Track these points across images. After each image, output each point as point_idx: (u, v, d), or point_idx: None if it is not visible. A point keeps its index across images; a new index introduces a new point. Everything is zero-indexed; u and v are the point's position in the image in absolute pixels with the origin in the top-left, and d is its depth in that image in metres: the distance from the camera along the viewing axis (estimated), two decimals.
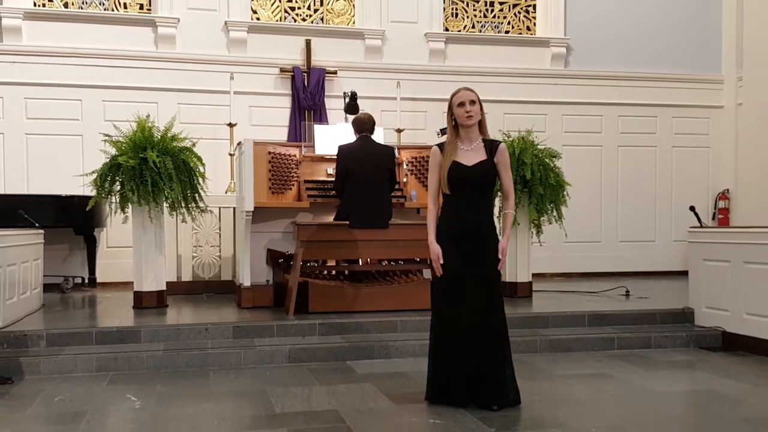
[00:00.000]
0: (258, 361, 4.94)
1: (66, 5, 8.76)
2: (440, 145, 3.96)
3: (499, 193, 4.05)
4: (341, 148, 5.97)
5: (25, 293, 5.84)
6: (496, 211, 4.28)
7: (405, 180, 6.69)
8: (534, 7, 10.04)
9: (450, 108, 3.91)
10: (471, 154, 3.86)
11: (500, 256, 3.86)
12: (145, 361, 4.80)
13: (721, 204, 10.25)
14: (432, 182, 3.95)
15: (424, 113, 9.38)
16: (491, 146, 3.91)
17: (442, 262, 3.82)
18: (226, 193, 7.92)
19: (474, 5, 9.93)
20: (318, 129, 6.79)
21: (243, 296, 6.28)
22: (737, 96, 10.11)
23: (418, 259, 6.24)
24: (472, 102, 3.83)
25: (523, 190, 6.64)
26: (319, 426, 3.53)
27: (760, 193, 9.50)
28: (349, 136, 6.25)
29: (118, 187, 5.99)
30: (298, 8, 9.40)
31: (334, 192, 6.14)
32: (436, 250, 3.83)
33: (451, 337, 3.80)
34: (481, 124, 3.91)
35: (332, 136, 6.54)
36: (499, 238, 3.91)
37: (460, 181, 3.82)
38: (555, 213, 6.86)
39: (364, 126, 6.02)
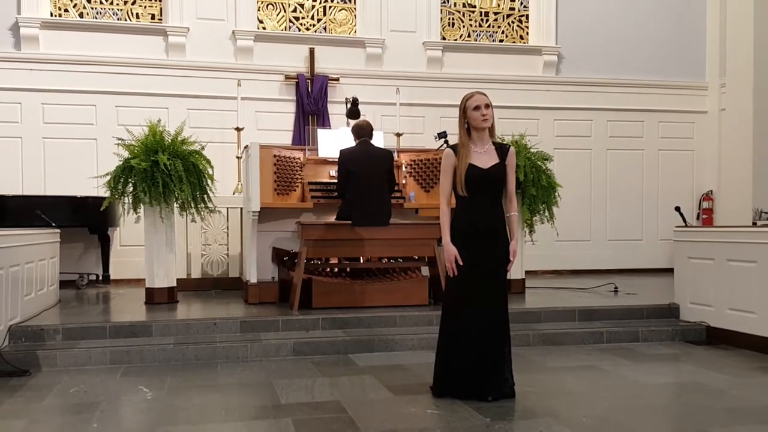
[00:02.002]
0: (264, 355, 4.94)
1: (81, 15, 8.76)
2: (453, 147, 3.86)
3: None
4: (342, 152, 5.98)
5: (42, 289, 5.84)
6: None
7: (404, 182, 6.69)
8: (527, 17, 10.04)
9: (464, 111, 3.81)
10: (485, 157, 3.80)
11: (511, 258, 3.84)
12: (156, 354, 4.80)
13: (705, 205, 10.26)
14: (445, 184, 3.84)
15: (422, 118, 9.38)
16: (502, 149, 3.86)
17: (461, 263, 3.75)
18: (233, 194, 7.93)
19: (470, 15, 9.93)
20: (321, 133, 6.79)
21: (250, 292, 6.29)
22: (720, 102, 10.13)
23: (416, 257, 6.23)
24: (487, 106, 3.77)
25: (517, 191, 6.62)
26: (322, 416, 3.53)
27: (742, 194, 9.51)
28: (350, 140, 6.25)
29: (131, 189, 5.99)
30: (302, 18, 9.40)
31: (336, 194, 6.14)
32: (452, 250, 3.76)
33: (460, 335, 3.78)
34: (491, 128, 3.86)
35: (335, 140, 6.55)
36: (509, 239, 3.87)
37: (476, 183, 3.75)
38: (547, 213, 6.86)
39: (363, 131, 6.03)
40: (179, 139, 6.08)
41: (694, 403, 3.82)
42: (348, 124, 7.50)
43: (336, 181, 6.13)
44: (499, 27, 10.00)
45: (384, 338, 5.18)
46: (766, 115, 9.44)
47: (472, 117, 3.79)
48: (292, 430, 3.29)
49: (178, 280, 6.47)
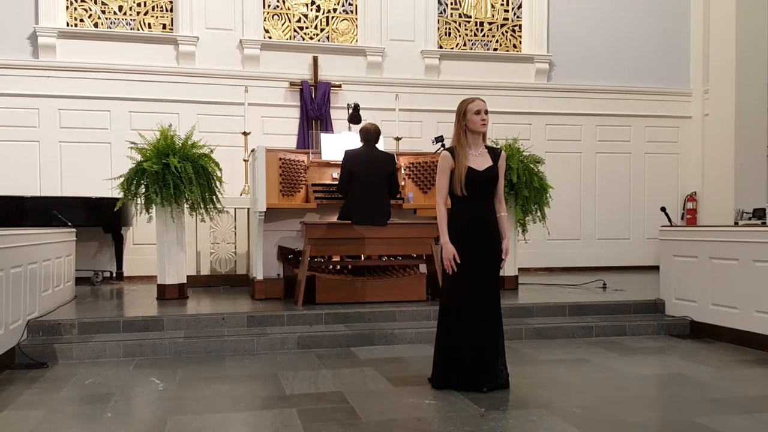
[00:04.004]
0: (270, 348, 4.94)
1: (96, 25, 8.76)
2: (450, 150, 3.83)
3: None
4: (347, 153, 5.97)
5: (59, 286, 5.84)
6: None
7: (403, 183, 6.68)
8: (519, 26, 10.04)
9: (464, 114, 3.79)
10: (480, 160, 3.80)
11: (504, 256, 3.84)
12: (167, 347, 4.80)
13: (689, 205, 10.26)
14: (443, 184, 3.80)
15: (420, 123, 9.38)
16: (494, 153, 3.86)
17: (458, 261, 3.73)
18: (240, 195, 7.93)
19: (465, 25, 9.93)
20: (324, 137, 6.78)
21: (256, 289, 6.28)
22: (704, 107, 10.13)
23: (414, 255, 6.23)
24: (486, 111, 3.78)
25: (510, 192, 6.64)
26: (325, 406, 3.52)
27: (724, 195, 9.52)
28: (351, 143, 6.25)
29: (143, 190, 5.98)
30: (306, 28, 9.40)
31: (338, 194, 6.13)
32: (451, 249, 3.73)
33: (458, 330, 3.77)
34: (485, 132, 3.88)
35: (337, 143, 6.54)
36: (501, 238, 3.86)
37: (474, 184, 3.74)
38: (539, 213, 6.86)
39: (370, 135, 6.01)
40: (189, 142, 6.07)
41: (679, 394, 3.81)
42: (350, 128, 7.49)
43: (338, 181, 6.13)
44: (493, 36, 10.00)
45: (384, 332, 5.18)
46: (747, 120, 9.46)
47: (472, 120, 3.78)
48: (297, 420, 3.28)
49: (188, 276, 6.46)
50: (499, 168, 3.84)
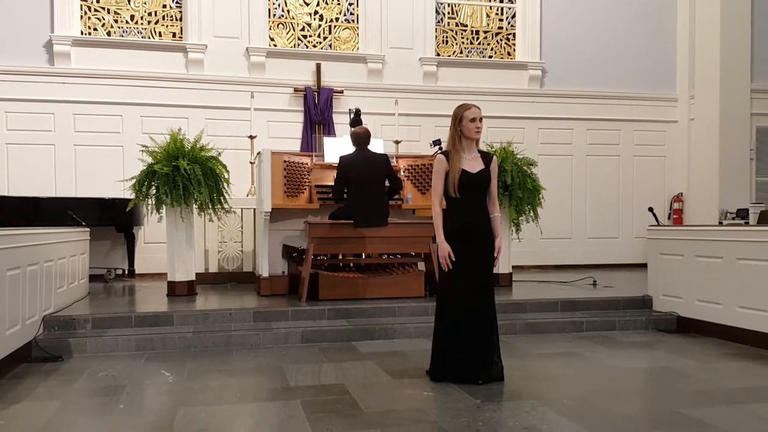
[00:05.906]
0: (275, 342, 4.94)
1: (109, 34, 8.76)
2: (445, 153, 3.85)
3: None
4: (342, 159, 5.95)
5: (74, 283, 5.84)
6: None
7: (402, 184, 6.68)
8: (513, 35, 10.05)
9: (460, 120, 3.79)
10: (473, 163, 3.81)
11: (496, 255, 3.84)
12: (177, 341, 4.80)
13: (676, 206, 10.26)
14: (438, 186, 3.82)
15: (418, 127, 9.37)
16: (486, 157, 3.88)
17: (454, 259, 3.74)
18: (247, 196, 7.93)
19: (462, 34, 9.93)
20: (327, 141, 6.78)
21: (262, 285, 6.28)
22: (689, 112, 10.13)
23: (413, 253, 6.23)
24: (481, 119, 3.80)
25: (504, 193, 6.64)
26: (327, 397, 3.53)
27: (709, 196, 9.53)
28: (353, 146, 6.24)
29: (154, 191, 5.98)
30: (310, 36, 9.40)
31: (333, 199, 6.08)
32: (446, 248, 3.74)
33: (454, 325, 3.77)
34: (479, 138, 3.89)
35: (339, 147, 6.54)
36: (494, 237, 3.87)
37: (468, 186, 3.76)
38: (532, 213, 6.86)
39: (361, 138, 5.98)
40: (198, 146, 6.07)
41: (666, 387, 3.82)
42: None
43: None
44: (488, 44, 10.00)
45: (384, 327, 5.18)
46: (732, 124, 9.48)
47: (468, 127, 3.78)
48: (301, 411, 3.29)
49: (196, 274, 6.46)
50: (492, 171, 3.86)
